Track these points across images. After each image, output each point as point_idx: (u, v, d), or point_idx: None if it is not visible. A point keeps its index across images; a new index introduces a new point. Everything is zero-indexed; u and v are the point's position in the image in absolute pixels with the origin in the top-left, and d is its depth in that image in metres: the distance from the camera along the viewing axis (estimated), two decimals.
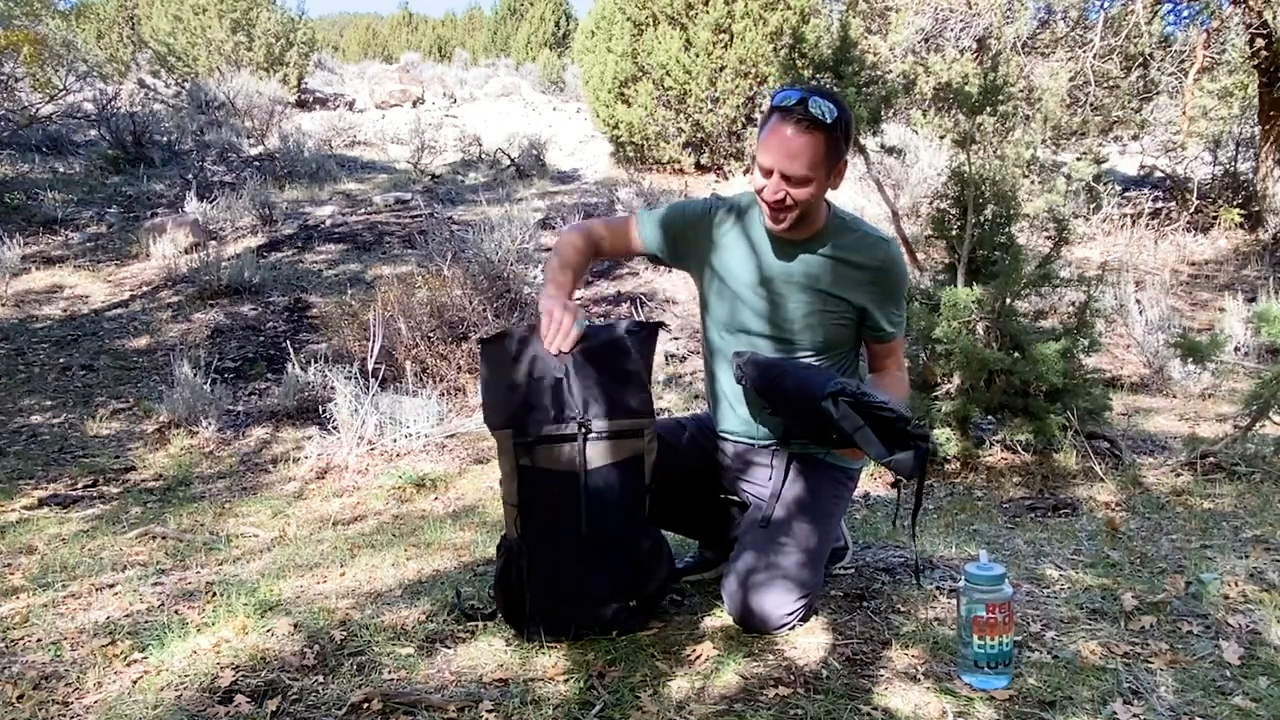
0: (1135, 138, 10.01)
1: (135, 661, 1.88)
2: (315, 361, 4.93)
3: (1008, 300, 3.42)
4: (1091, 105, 8.87)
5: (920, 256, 4.55)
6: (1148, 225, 7.90)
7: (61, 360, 5.69)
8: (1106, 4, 8.93)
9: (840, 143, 1.92)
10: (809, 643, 1.89)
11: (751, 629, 1.94)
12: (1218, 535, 2.58)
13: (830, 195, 2.04)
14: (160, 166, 10.16)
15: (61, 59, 10.53)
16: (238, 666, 1.83)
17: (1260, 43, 7.68)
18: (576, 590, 1.90)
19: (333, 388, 4.15)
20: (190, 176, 9.60)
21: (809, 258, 2.03)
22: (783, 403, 1.96)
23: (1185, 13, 9.17)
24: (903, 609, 2.06)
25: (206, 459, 4.24)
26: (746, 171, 10.37)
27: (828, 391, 1.77)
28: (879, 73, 7.89)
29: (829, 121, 1.86)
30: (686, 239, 2.15)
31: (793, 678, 1.74)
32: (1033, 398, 3.42)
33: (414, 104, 15.61)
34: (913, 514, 1.96)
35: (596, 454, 1.86)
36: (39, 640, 2.02)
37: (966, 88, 3.79)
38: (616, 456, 1.87)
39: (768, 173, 1.92)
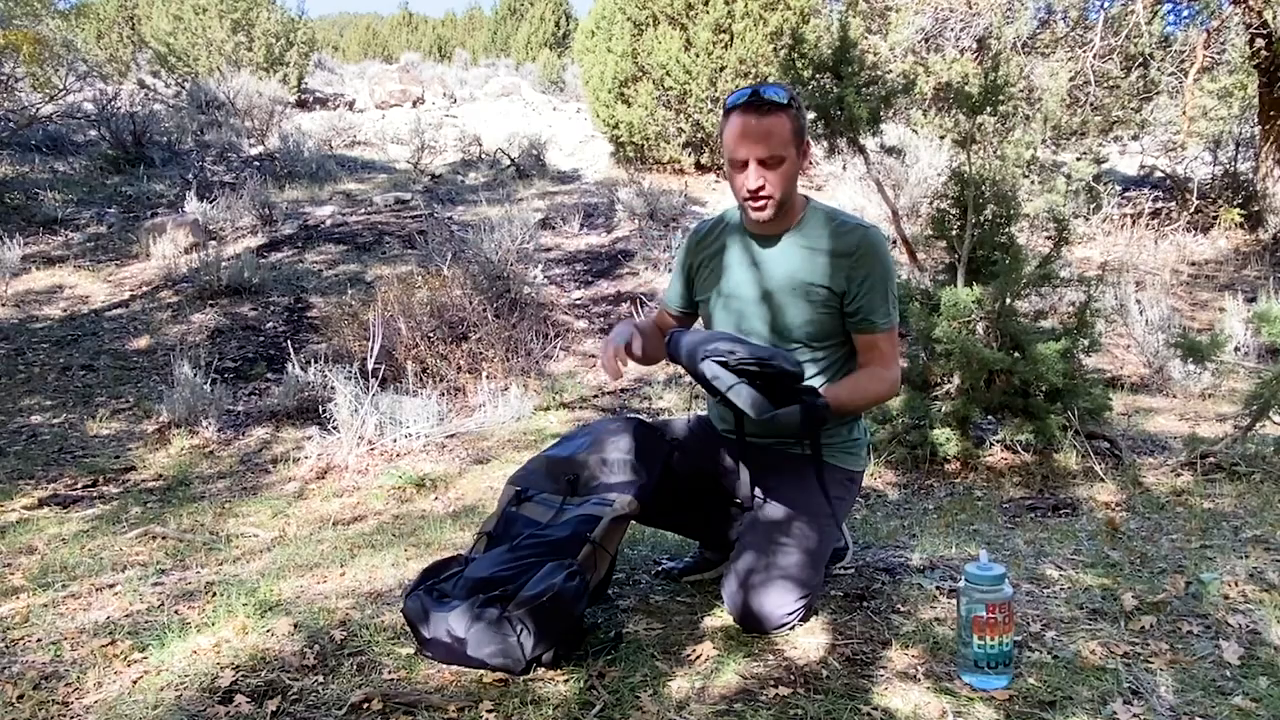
0: (1135, 138, 10.00)
1: (135, 661, 1.88)
2: (315, 361, 4.93)
3: (1008, 300, 3.42)
4: (1091, 105, 8.87)
5: (920, 256, 4.55)
6: (1148, 225, 7.91)
7: (61, 360, 5.69)
8: (1106, 4, 8.93)
9: (800, 122, 2.00)
10: (809, 643, 1.90)
11: (751, 629, 1.94)
12: (1218, 535, 2.58)
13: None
14: (160, 166, 10.16)
15: (61, 59, 10.51)
16: (238, 666, 1.83)
17: (1260, 43, 7.68)
18: (474, 574, 1.91)
19: (333, 388, 4.15)
20: (190, 176, 9.60)
21: (790, 248, 2.07)
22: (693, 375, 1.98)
23: (1185, 13, 9.18)
24: (903, 609, 2.06)
25: (206, 459, 4.24)
26: None
27: (702, 355, 1.81)
28: (879, 73, 7.89)
29: (785, 102, 1.95)
30: (695, 274, 2.24)
31: (793, 678, 1.74)
32: (1033, 398, 3.42)
33: (414, 104, 15.60)
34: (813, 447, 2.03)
35: (568, 512, 2.00)
36: (39, 640, 2.03)
37: (967, 88, 3.79)
38: (581, 512, 1.98)
39: (742, 164, 1.97)
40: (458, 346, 5.19)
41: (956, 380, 3.49)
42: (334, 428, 4.04)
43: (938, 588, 2.18)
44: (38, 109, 9.81)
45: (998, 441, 3.57)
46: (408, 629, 1.93)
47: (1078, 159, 8.22)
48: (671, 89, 10.54)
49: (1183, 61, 9.01)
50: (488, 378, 4.91)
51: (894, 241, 5.41)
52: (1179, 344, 3.52)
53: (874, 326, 2.06)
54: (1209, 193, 8.39)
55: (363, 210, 9.11)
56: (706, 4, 10.40)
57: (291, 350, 5.08)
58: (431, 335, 5.20)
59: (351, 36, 32.66)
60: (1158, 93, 9.19)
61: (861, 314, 2.05)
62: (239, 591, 2.27)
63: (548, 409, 4.66)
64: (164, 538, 2.98)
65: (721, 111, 2.04)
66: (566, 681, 1.74)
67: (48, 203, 8.63)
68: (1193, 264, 7.45)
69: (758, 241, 2.10)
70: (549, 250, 7.72)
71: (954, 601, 1.90)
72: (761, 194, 1.97)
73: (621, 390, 4.99)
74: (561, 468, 2.07)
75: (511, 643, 1.73)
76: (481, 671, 1.77)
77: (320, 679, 1.78)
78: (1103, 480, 3.25)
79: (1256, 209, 7.89)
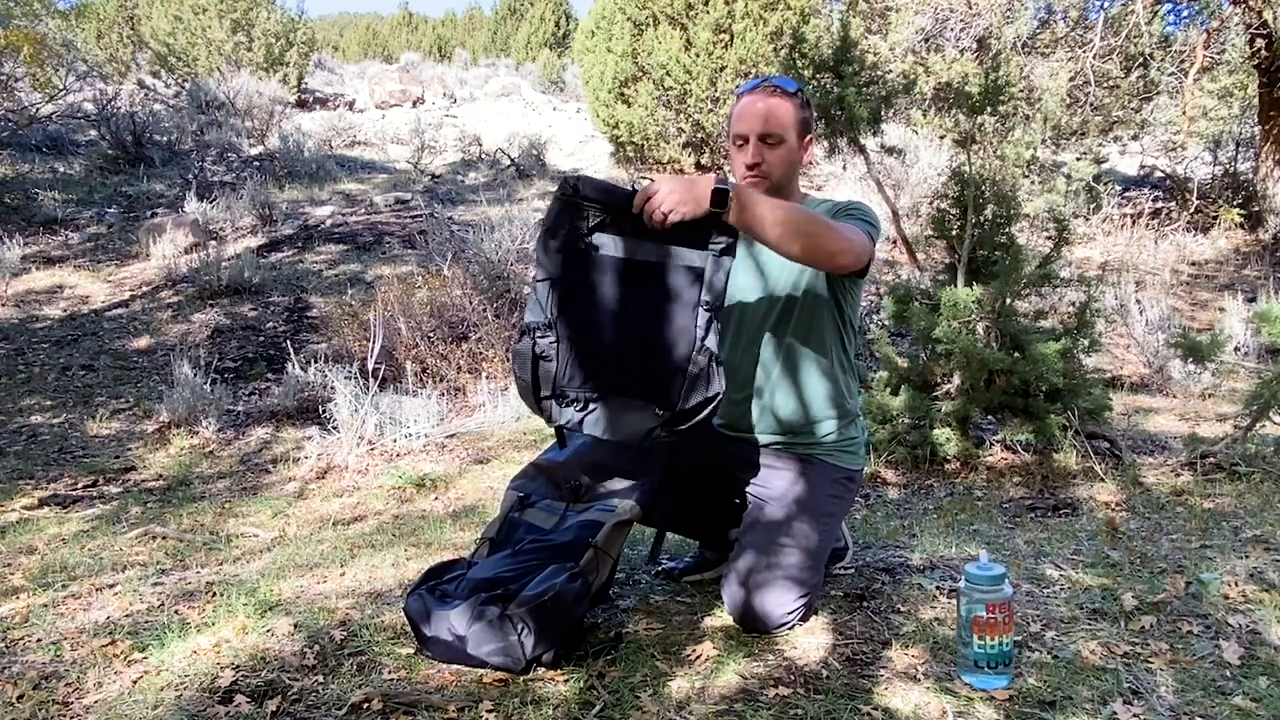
0: (1135, 138, 10.00)
1: (135, 661, 1.88)
2: (315, 361, 4.93)
3: (1008, 300, 3.42)
4: (1091, 105, 8.87)
5: (920, 256, 4.55)
6: (1148, 225, 7.90)
7: (61, 360, 5.69)
8: (1106, 4, 8.93)
9: (806, 113, 2.06)
10: (809, 643, 1.90)
11: (751, 628, 1.95)
12: (1218, 535, 2.58)
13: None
14: (160, 166, 10.16)
15: (61, 59, 10.52)
16: (238, 666, 1.83)
17: (1260, 43, 7.68)
18: (474, 577, 1.92)
19: (333, 388, 4.15)
20: (190, 176, 9.60)
21: None
22: None
23: (1185, 13, 9.17)
24: (903, 609, 2.06)
25: (207, 459, 4.24)
26: None
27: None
28: (879, 73, 7.89)
29: (791, 90, 2.03)
30: None
31: (793, 678, 1.74)
32: (1033, 398, 3.42)
33: (414, 104, 15.60)
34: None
35: (571, 519, 2.00)
36: (39, 640, 2.03)
37: (967, 88, 3.79)
38: (584, 518, 1.97)
39: (743, 140, 2.03)
40: (458, 346, 5.19)
41: (956, 380, 3.49)
42: (334, 428, 4.04)
43: (938, 588, 2.18)
44: (38, 109, 9.80)
45: (998, 441, 3.57)
46: (408, 629, 1.93)
47: (1078, 159, 8.21)
48: (671, 89, 10.54)
49: (1183, 61, 9.01)
50: (488, 378, 4.91)
51: (894, 241, 5.41)
52: (1179, 344, 3.52)
53: (844, 214, 2.03)
54: (1209, 193, 8.39)
55: (363, 210, 9.11)
56: (706, 4, 10.39)
57: (291, 350, 5.07)
58: (431, 335, 5.20)
59: (351, 36, 32.64)
60: (1158, 93, 9.18)
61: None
62: (239, 591, 2.27)
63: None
64: (164, 538, 2.98)
65: (729, 106, 2.07)
66: (566, 681, 1.74)
67: (48, 203, 8.63)
68: (1193, 264, 7.45)
69: None
70: None
71: (954, 601, 1.90)
72: (757, 171, 2.02)
73: None
74: (563, 473, 2.07)
75: (512, 641, 1.74)
76: (482, 671, 1.77)
77: (320, 679, 1.78)
78: (1103, 480, 3.25)
79: (1256, 209, 7.89)
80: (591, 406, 1.88)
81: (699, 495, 2.26)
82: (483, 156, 11.66)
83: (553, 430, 2.05)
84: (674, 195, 1.69)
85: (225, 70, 13.89)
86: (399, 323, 5.15)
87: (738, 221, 1.74)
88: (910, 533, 2.78)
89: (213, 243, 7.78)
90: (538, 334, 1.87)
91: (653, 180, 1.74)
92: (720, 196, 1.69)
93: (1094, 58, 8.62)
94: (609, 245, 1.85)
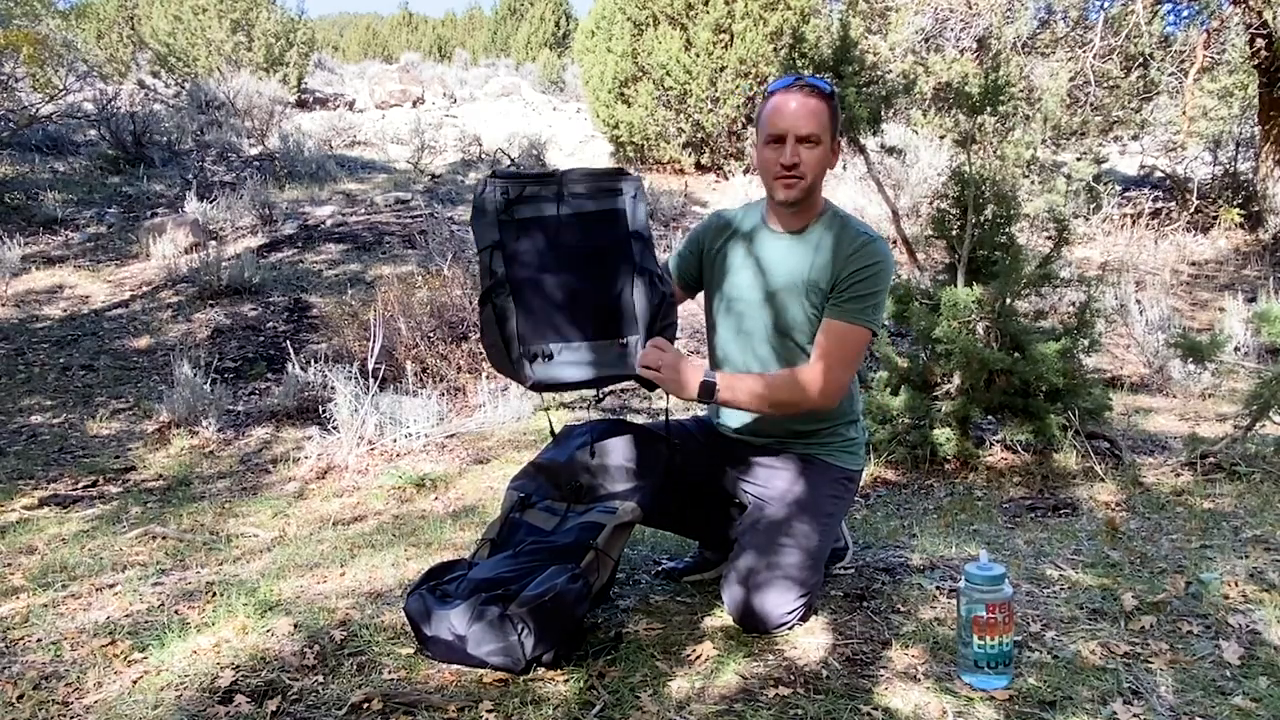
0: (1135, 138, 10.01)
1: (135, 661, 1.89)
2: (315, 361, 4.93)
3: (1008, 300, 3.42)
4: (1091, 105, 8.87)
5: (920, 256, 4.55)
6: (1148, 225, 7.91)
7: (61, 360, 5.69)
8: (1106, 4, 8.93)
9: (837, 118, 2.04)
10: (809, 643, 1.90)
11: (751, 628, 1.95)
12: (1218, 535, 2.58)
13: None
14: (160, 166, 10.15)
15: (61, 59, 10.52)
16: (238, 666, 1.83)
17: (1260, 43, 7.68)
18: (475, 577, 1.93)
19: (333, 388, 4.15)
20: (190, 176, 9.59)
21: (799, 247, 2.08)
22: None
23: (1185, 13, 9.18)
24: (903, 609, 2.06)
25: (207, 459, 4.23)
26: (747, 171, 10.37)
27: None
28: (879, 73, 7.89)
29: (827, 91, 2.01)
30: (702, 259, 2.22)
31: (793, 678, 1.74)
32: (1033, 398, 3.42)
33: (414, 104, 15.60)
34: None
35: (571, 520, 2.01)
36: (39, 640, 2.03)
37: (967, 88, 3.79)
38: (585, 519, 1.98)
39: (779, 139, 1.99)
40: (458, 346, 5.19)
41: (956, 380, 3.49)
42: (334, 428, 4.03)
43: (938, 588, 2.19)
44: (38, 109, 9.80)
45: (998, 441, 3.57)
46: (408, 629, 1.93)
47: (1078, 159, 8.22)
48: (671, 89, 10.54)
49: (1183, 61, 9.02)
50: (488, 378, 4.90)
51: (894, 241, 5.41)
52: (1179, 344, 3.52)
53: (842, 313, 2.00)
54: (1209, 193, 8.40)
55: (363, 210, 9.11)
56: (706, 4, 10.40)
57: (291, 350, 5.07)
58: (432, 335, 5.20)
59: (351, 36, 32.64)
60: (1158, 93, 9.19)
61: (836, 302, 2.02)
62: (239, 591, 2.27)
63: (548, 409, 4.65)
64: (164, 538, 2.98)
65: (762, 96, 2.07)
66: (566, 681, 1.74)
67: (48, 203, 8.63)
68: (1193, 264, 7.45)
69: (772, 234, 2.10)
70: None
71: (954, 601, 1.90)
72: (794, 172, 1.98)
73: (622, 390, 4.98)
74: (564, 474, 2.07)
75: (512, 642, 1.74)
76: (482, 671, 1.77)
77: (320, 679, 1.78)
78: (1103, 480, 3.25)
79: (1256, 209, 7.89)
80: (560, 357, 1.95)
81: (699, 496, 2.26)
82: (483, 156, 11.66)
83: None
84: (669, 376, 1.93)
85: (225, 70, 13.89)
86: (399, 323, 5.15)
87: (719, 403, 2.01)
88: (910, 533, 2.78)
89: (213, 243, 7.78)
90: (495, 295, 1.95)
91: (663, 351, 1.94)
92: (707, 389, 1.94)
93: (1094, 58, 8.63)
94: (530, 212, 1.99)
